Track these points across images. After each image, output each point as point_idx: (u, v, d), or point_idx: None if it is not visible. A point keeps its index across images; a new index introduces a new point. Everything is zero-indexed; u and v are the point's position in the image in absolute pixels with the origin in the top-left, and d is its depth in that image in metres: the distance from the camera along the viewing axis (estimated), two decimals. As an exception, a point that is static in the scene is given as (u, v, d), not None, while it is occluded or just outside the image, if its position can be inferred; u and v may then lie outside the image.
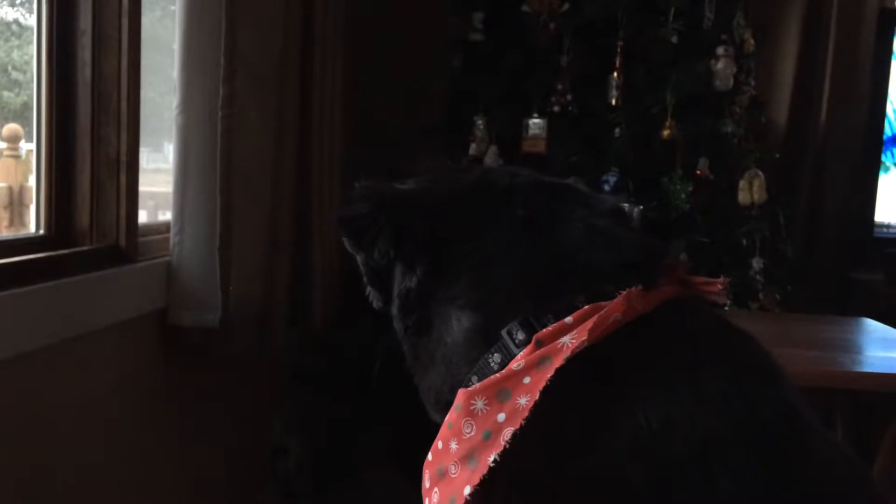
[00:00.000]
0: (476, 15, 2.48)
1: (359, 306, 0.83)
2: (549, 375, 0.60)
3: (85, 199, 1.50)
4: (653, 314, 0.64)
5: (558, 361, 0.60)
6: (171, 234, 1.66)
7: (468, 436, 0.62)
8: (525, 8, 2.42)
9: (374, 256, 0.75)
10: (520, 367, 0.62)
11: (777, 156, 2.63)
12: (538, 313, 0.65)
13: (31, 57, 1.48)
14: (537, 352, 0.62)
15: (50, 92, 1.45)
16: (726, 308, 2.28)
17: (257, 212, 1.79)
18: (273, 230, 1.85)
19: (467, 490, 0.60)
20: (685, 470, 0.58)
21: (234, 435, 2.01)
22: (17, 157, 1.59)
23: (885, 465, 1.56)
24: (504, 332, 0.65)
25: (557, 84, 2.39)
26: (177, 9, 1.63)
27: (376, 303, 0.79)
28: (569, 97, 2.38)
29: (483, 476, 0.59)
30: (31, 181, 1.52)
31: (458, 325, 0.69)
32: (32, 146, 1.50)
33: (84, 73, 1.48)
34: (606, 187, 2.30)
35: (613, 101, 2.36)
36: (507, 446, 0.59)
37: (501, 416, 0.61)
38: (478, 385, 0.63)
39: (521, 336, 0.65)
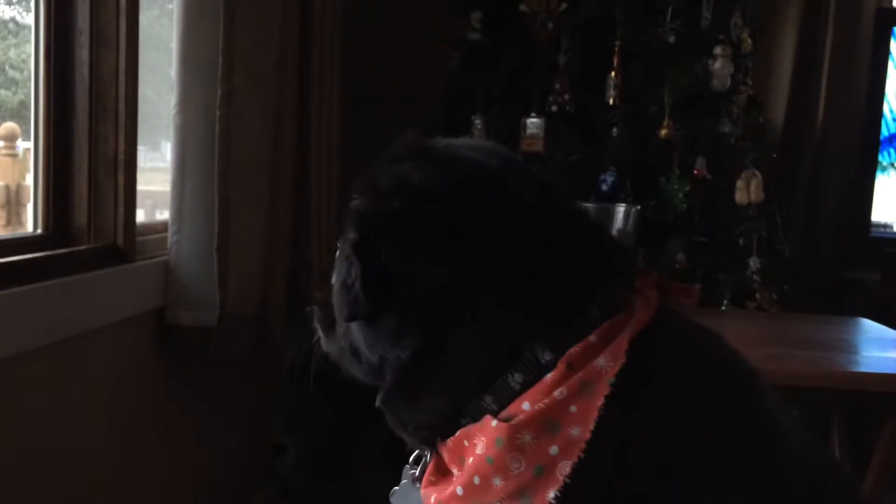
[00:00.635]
0: (474, 14, 2.48)
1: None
2: (599, 404, 0.57)
3: (82, 198, 1.50)
4: (654, 323, 0.63)
5: (603, 388, 0.58)
6: (169, 234, 1.66)
7: (517, 471, 0.58)
8: (523, 7, 2.42)
9: (406, 265, 0.64)
10: (563, 395, 0.58)
11: (774, 155, 2.63)
12: (559, 330, 0.61)
13: (28, 55, 1.48)
14: (576, 377, 0.59)
15: (47, 90, 1.45)
16: (722, 308, 2.30)
17: (255, 211, 1.79)
18: (271, 229, 1.85)
19: None
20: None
21: (232, 434, 2.01)
22: (15, 155, 1.59)
23: (881, 465, 1.56)
24: (527, 351, 0.61)
25: (555, 83, 2.39)
26: (175, 8, 1.63)
27: (356, 312, 0.66)
28: (567, 97, 2.38)
29: None
30: (29, 180, 1.52)
31: (468, 340, 0.63)
32: (30, 145, 1.50)
33: (82, 71, 1.47)
34: (604, 187, 2.31)
35: (611, 101, 2.36)
36: (568, 481, 0.57)
37: (554, 450, 0.58)
38: (523, 418, 0.59)
39: (548, 356, 0.61)
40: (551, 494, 0.57)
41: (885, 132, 2.97)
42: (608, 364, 0.59)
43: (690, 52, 2.35)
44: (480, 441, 0.60)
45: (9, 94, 1.63)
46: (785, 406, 0.66)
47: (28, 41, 1.48)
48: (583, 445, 0.57)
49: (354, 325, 0.68)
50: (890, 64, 2.93)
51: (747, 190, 2.35)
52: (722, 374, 0.65)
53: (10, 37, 1.61)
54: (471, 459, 0.61)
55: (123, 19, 1.49)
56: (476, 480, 0.60)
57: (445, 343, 0.63)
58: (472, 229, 0.64)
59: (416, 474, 0.71)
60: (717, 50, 2.34)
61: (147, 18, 1.81)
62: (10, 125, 1.58)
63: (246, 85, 1.70)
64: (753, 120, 2.51)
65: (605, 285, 0.64)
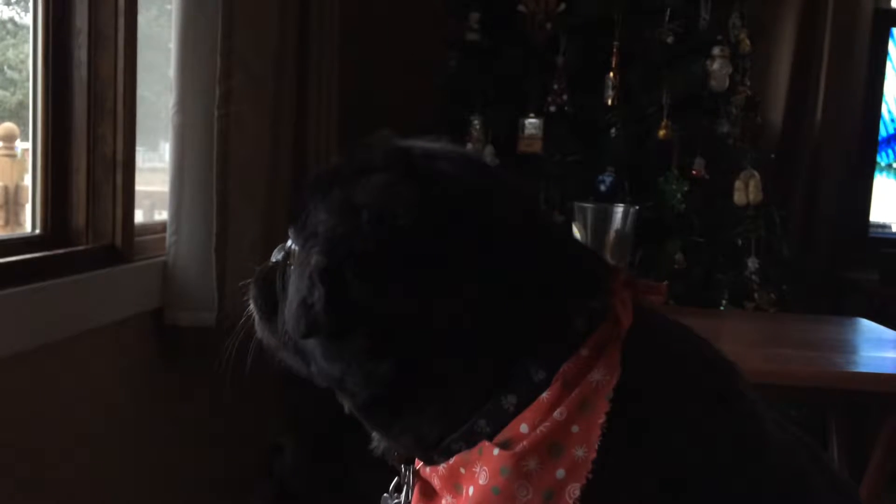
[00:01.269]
0: (472, 15, 2.47)
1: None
2: (601, 422, 0.57)
3: (81, 198, 1.50)
4: (634, 326, 0.62)
5: (602, 405, 0.57)
6: (168, 234, 1.66)
7: (525, 499, 0.57)
8: (521, 8, 2.42)
9: (378, 299, 0.60)
10: (563, 416, 0.57)
11: (773, 156, 2.63)
12: (548, 345, 0.60)
13: (26, 56, 1.48)
14: (574, 395, 0.58)
15: (46, 91, 1.45)
16: (722, 308, 2.30)
17: (253, 211, 1.79)
18: (269, 229, 1.85)
19: None
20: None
21: (230, 434, 2.01)
22: (13, 156, 1.59)
23: (879, 465, 1.56)
24: (518, 370, 0.60)
25: (553, 84, 2.39)
26: (173, 8, 1.63)
27: (313, 331, 0.62)
28: (565, 97, 2.38)
29: None
30: (27, 180, 1.52)
31: (453, 362, 0.61)
32: (28, 145, 1.50)
33: (80, 72, 1.48)
34: (602, 187, 2.31)
35: (609, 102, 2.36)
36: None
37: (561, 473, 0.57)
38: (526, 445, 0.57)
39: (541, 375, 0.59)
40: None
41: (883, 133, 2.97)
42: (604, 378, 0.58)
43: (689, 53, 2.35)
44: (483, 471, 0.59)
45: (7, 94, 1.63)
46: (765, 401, 0.66)
47: (26, 41, 1.48)
48: (589, 466, 0.56)
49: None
50: (888, 64, 2.94)
51: (746, 190, 2.35)
52: (707, 375, 0.65)
53: (8, 37, 1.61)
54: (471, 489, 0.60)
55: (122, 20, 1.49)
56: None
57: (426, 365, 0.61)
58: (451, 259, 0.61)
59: (402, 502, 0.69)
60: (716, 50, 2.34)
61: (145, 19, 1.81)
62: (8, 125, 1.58)
63: (244, 85, 1.71)
64: (752, 120, 2.51)
65: (585, 294, 0.63)
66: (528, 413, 0.59)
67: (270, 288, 0.70)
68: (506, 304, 0.61)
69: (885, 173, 2.97)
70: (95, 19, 1.48)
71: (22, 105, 1.53)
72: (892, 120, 2.96)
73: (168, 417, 1.74)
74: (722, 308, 2.29)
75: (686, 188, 2.31)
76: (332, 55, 2.28)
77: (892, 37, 2.91)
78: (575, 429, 0.57)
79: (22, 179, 1.57)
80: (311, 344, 0.65)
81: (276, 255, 0.72)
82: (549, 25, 2.39)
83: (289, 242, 0.68)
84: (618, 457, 0.57)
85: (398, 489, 0.69)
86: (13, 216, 1.56)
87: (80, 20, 1.47)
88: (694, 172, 2.36)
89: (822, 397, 1.73)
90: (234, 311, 1.65)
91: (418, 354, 0.61)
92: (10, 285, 1.22)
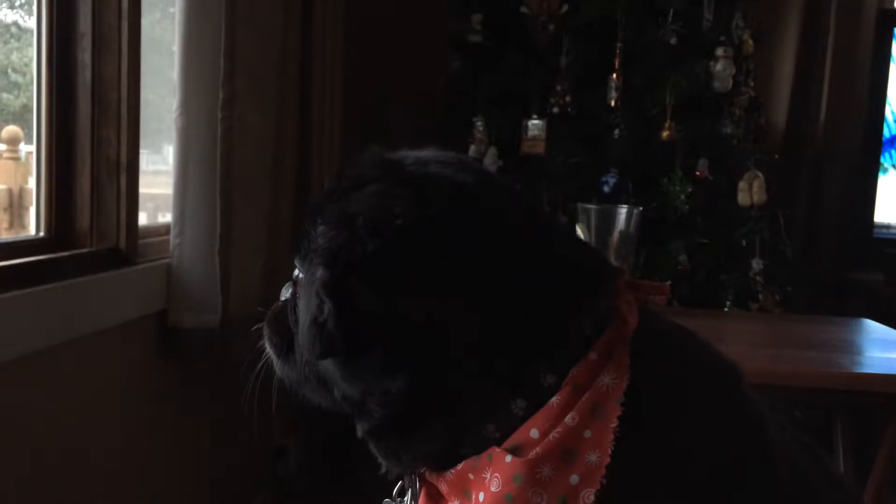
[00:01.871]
0: (475, 16, 2.48)
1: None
2: (613, 426, 0.57)
3: (85, 200, 1.50)
4: (639, 328, 0.62)
5: (614, 409, 0.57)
6: (171, 236, 1.66)
7: None
8: (524, 9, 2.42)
9: (387, 305, 0.60)
10: (575, 421, 0.57)
11: (776, 157, 2.63)
12: (557, 349, 0.60)
13: (30, 59, 1.49)
14: (584, 399, 0.58)
15: (50, 94, 1.45)
16: (726, 309, 2.30)
17: (257, 213, 1.79)
18: (273, 231, 1.85)
19: None
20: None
21: (234, 436, 2.01)
22: (17, 159, 1.59)
23: (884, 466, 1.56)
24: (528, 374, 0.59)
25: (556, 85, 2.39)
26: (176, 11, 1.63)
27: (330, 351, 0.62)
28: (568, 98, 2.38)
29: None
30: (31, 183, 1.52)
31: (464, 368, 0.60)
32: (32, 148, 1.50)
33: (84, 75, 1.48)
34: (606, 188, 2.31)
35: (613, 103, 2.36)
36: None
37: (574, 479, 0.56)
38: (540, 451, 0.57)
39: (550, 379, 0.59)
40: None
41: (887, 133, 2.97)
42: (614, 382, 0.58)
43: (692, 54, 2.35)
44: (495, 478, 0.58)
45: (11, 97, 1.63)
46: (766, 403, 0.66)
47: (30, 44, 1.48)
48: (603, 471, 0.56)
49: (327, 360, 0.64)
50: (891, 65, 2.93)
51: (749, 191, 2.35)
52: (710, 377, 0.65)
53: (12, 40, 1.62)
54: (481, 495, 0.59)
55: (125, 23, 1.49)
56: None
57: (440, 373, 0.60)
58: (454, 258, 0.61)
59: None
60: (719, 51, 2.34)
61: (149, 22, 1.82)
62: (12, 128, 1.59)
63: (247, 87, 1.71)
64: (755, 121, 2.51)
65: (591, 296, 0.63)
66: (538, 418, 0.58)
67: (283, 325, 0.70)
68: (512, 307, 0.61)
69: (888, 173, 2.97)
70: (99, 22, 1.48)
71: (26, 108, 1.53)
72: (896, 120, 2.95)
73: (171, 419, 1.74)
74: (726, 309, 2.29)
75: (690, 189, 2.31)
76: (335, 57, 2.28)
77: (896, 37, 2.91)
78: (587, 434, 0.57)
79: (26, 182, 1.57)
80: (331, 369, 0.64)
81: (285, 293, 0.72)
82: (551, 27, 2.40)
83: (295, 273, 0.68)
84: (629, 461, 0.57)
85: (401, 493, 0.69)
86: (17, 219, 1.57)
87: (84, 23, 1.47)
88: (697, 173, 2.36)
89: (826, 398, 1.72)
90: (237, 313, 1.66)
91: (431, 364, 0.60)
92: (15, 288, 1.22)
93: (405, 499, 0.68)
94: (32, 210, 1.51)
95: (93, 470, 1.44)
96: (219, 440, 1.95)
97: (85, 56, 1.47)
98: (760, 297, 2.32)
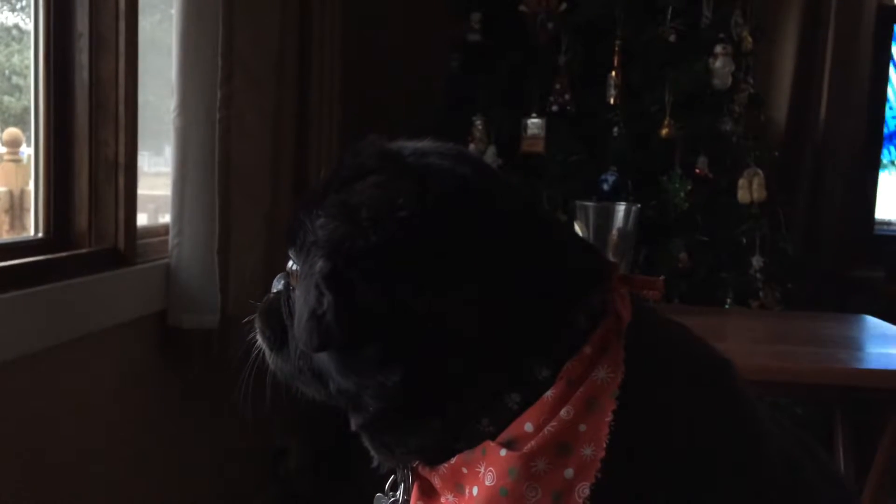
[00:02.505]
0: (474, 15, 2.48)
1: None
2: (608, 420, 0.56)
3: (83, 201, 1.50)
4: (633, 323, 0.62)
5: (609, 403, 0.57)
6: (170, 237, 1.66)
7: (534, 499, 0.56)
8: (523, 8, 2.42)
9: (386, 299, 0.59)
10: (570, 415, 0.57)
11: (776, 154, 2.62)
12: (552, 343, 0.60)
13: (31, 61, 1.49)
14: (579, 393, 0.58)
15: (48, 95, 1.45)
16: (727, 307, 2.29)
17: (256, 213, 1.79)
18: (272, 231, 1.85)
19: None
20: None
21: (234, 436, 2.01)
22: (18, 161, 1.59)
23: (884, 462, 1.55)
24: (523, 368, 0.59)
25: (556, 84, 2.39)
26: (174, 11, 1.63)
27: (328, 342, 0.61)
28: (567, 97, 2.38)
29: None
30: (32, 185, 1.52)
31: (460, 362, 0.60)
32: (32, 150, 1.51)
33: (81, 75, 1.48)
34: (605, 186, 2.30)
35: (612, 101, 2.36)
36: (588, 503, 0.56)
37: (569, 473, 0.56)
38: (534, 445, 0.57)
39: (545, 373, 0.59)
40: None
41: (887, 129, 2.96)
42: (609, 376, 0.58)
43: (691, 51, 2.35)
44: (489, 472, 0.58)
45: (12, 100, 1.63)
46: (759, 397, 0.66)
47: (30, 47, 1.48)
48: (598, 465, 0.56)
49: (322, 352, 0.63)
50: (891, 61, 2.92)
51: (749, 188, 2.35)
52: (705, 372, 0.65)
53: (13, 43, 1.62)
54: (475, 489, 0.59)
55: (122, 23, 1.49)
56: None
57: (436, 367, 0.60)
58: (454, 252, 0.60)
59: (399, 501, 0.68)
60: (718, 48, 2.33)
61: (149, 23, 1.82)
62: (13, 130, 1.59)
63: (246, 87, 1.71)
64: (755, 118, 2.50)
65: (586, 290, 0.62)
66: (533, 412, 0.58)
67: (277, 318, 0.69)
68: (509, 300, 0.60)
69: (888, 170, 2.96)
70: (96, 23, 1.48)
71: (27, 110, 1.53)
72: (894, 117, 2.95)
73: (171, 419, 1.74)
74: (727, 306, 2.29)
75: (689, 187, 2.31)
76: (333, 57, 2.28)
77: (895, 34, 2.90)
78: (583, 428, 0.57)
79: (27, 184, 1.57)
80: (326, 361, 0.64)
81: (277, 285, 0.71)
82: (550, 25, 2.39)
83: (289, 265, 0.67)
84: (624, 455, 0.57)
85: (394, 488, 0.69)
86: (18, 220, 1.57)
87: (81, 24, 1.47)
88: (697, 171, 2.35)
89: (827, 394, 1.72)
90: (236, 313, 1.66)
91: (427, 358, 0.60)
92: (14, 288, 1.23)
93: (398, 493, 0.68)
94: (32, 211, 1.52)
95: (92, 470, 1.44)
96: (219, 440, 1.95)
97: (82, 57, 1.48)
98: (761, 294, 2.31)
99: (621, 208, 1.49)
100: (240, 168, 1.70)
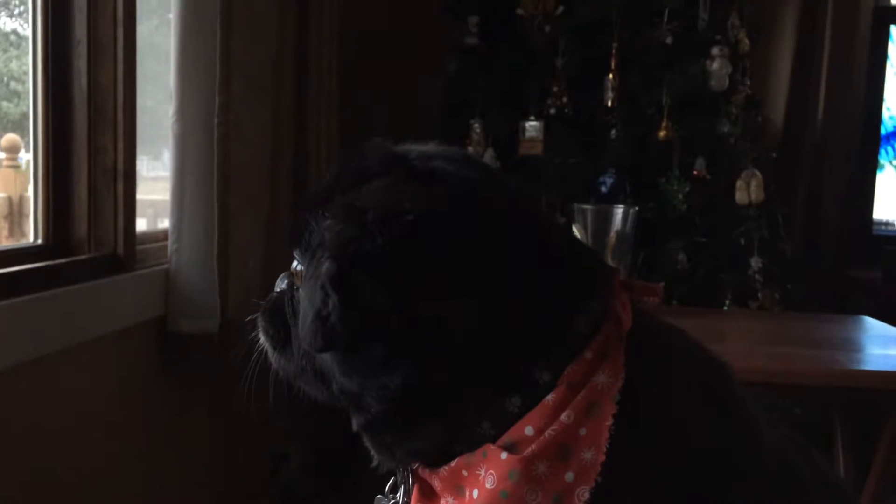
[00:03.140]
0: (471, 19, 2.48)
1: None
2: (608, 424, 0.57)
3: (82, 208, 1.50)
4: (633, 328, 0.62)
5: (609, 407, 0.57)
6: (169, 242, 1.66)
7: (534, 503, 0.57)
8: (519, 11, 2.42)
9: (392, 301, 0.60)
10: (571, 419, 0.58)
11: (774, 155, 2.63)
12: (553, 347, 0.60)
13: (30, 68, 1.49)
14: (580, 398, 0.58)
15: (46, 101, 1.46)
16: (725, 308, 2.29)
17: (255, 218, 1.80)
18: (270, 236, 1.85)
19: None
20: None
21: (234, 440, 2.01)
22: (17, 167, 1.60)
23: (883, 463, 1.56)
24: (524, 372, 0.60)
25: (553, 86, 2.39)
26: (172, 17, 1.64)
27: (332, 343, 0.61)
28: (565, 99, 2.38)
29: None
30: (31, 191, 1.52)
31: (462, 364, 0.61)
32: (31, 156, 1.51)
33: (80, 82, 1.48)
34: (603, 188, 2.31)
35: (609, 103, 2.36)
36: None
37: (570, 476, 0.57)
38: (536, 448, 0.57)
39: (546, 377, 0.59)
40: None
41: (883, 130, 2.96)
42: (609, 381, 0.59)
43: (688, 53, 2.35)
44: (489, 474, 0.58)
45: (11, 105, 1.64)
46: (755, 400, 0.66)
47: (29, 53, 1.49)
48: (598, 469, 0.56)
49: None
50: (888, 61, 2.93)
51: (747, 190, 2.35)
52: (703, 376, 0.65)
53: (11, 49, 1.62)
54: (475, 492, 0.59)
55: (121, 30, 1.49)
56: None
57: (439, 370, 0.61)
58: (459, 256, 0.61)
59: (399, 502, 0.68)
60: (715, 50, 2.34)
61: (147, 28, 1.82)
62: (11, 136, 1.59)
63: (244, 93, 1.71)
64: (752, 120, 2.50)
65: (587, 295, 0.63)
66: (533, 415, 0.59)
67: (280, 317, 0.69)
68: (511, 304, 0.61)
69: (886, 170, 2.96)
70: (94, 30, 1.49)
71: (26, 116, 1.54)
72: (892, 117, 2.95)
73: (171, 424, 1.74)
74: (725, 308, 2.29)
75: (687, 188, 2.31)
76: (331, 61, 2.29)
77: (892, 34, 2.91)
78: (583, 431, 0.57)
79: (26, 190, 1.57)
80: (329, 362, 0.64)
81: (280, 284, 0.71)
82: (547, 28, 2.40)
83: (293, 265, 0.68)
84: (624, 459, 0.57)
85: (394, 490, 0.69)
86: (17, 227, 1.57)
87: (80, 31, 1.48)
88: (695, 172, 2.36)
89: (826, 396, 1.72)
90: (236, 318, 1.66)
91: (430, 361, 0.61)
92: (13, 295, 1.23)
93: (398, 495, 0.69)
94: (31, 217, 1.52)
95: (92, 476, 1.44)
96: (219, 445, 1.95)
97: (81, 63, 1.48)
98: (759, 295, 2.31)
99: (619, 211, 1.50)
100: (238, 173, 1.70)
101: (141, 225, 1.69)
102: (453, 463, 0.61)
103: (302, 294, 0.64)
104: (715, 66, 2.34)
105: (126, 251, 1.54)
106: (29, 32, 1.48)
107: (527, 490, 0.57)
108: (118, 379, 1.54)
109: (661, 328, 0.67)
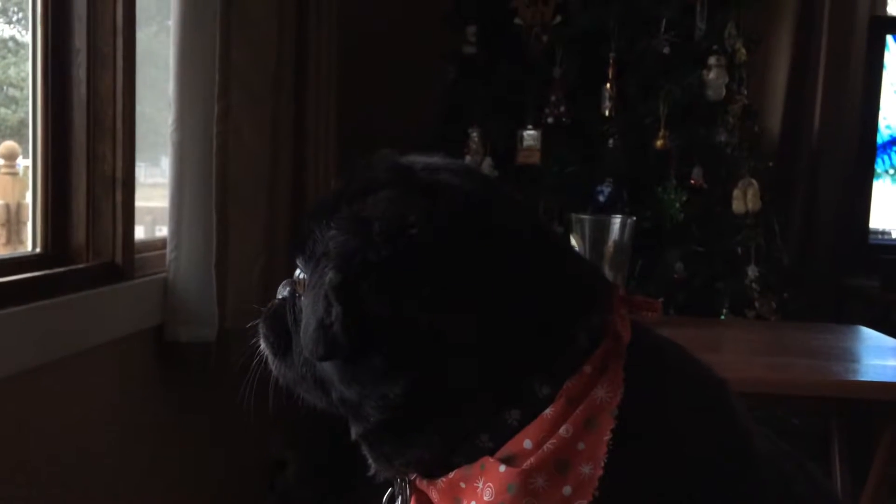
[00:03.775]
0: (469, 28, 2.49)
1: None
2: (606, 439, 0.57)
3: (81, 216, 1.50)
4: (631, 343, 0.63)
5: (608, 422, 0.58)
6: (168, 250, 1.66)
7: None
8: (517, 20, 2.43)
9: (394, 312, 0.60)
10: (569, 433, 0.58)
11: (771, 164, 2.63)
12: (553, 362, 0.61)
13: (27, 74, 1.49)
14: (579, 412, 0.58)
15: (45, 109, 1.46)
16: (722, 317, 2.30)
17: (253, 226, 1.80)
18: (269, 245, 1.85)
19: None
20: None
21: (232, 449, 2.01)
22: (15, 174, 1.60)
23: (880, 473, 1.56)
24: (524, 385, 0.60)
25: (551, 95, 2.40)
26: (171, 25, 1.64)
27: (333, 352, 0.62)
28: (562, 108, 2.39)
29: None
30: (29, 198, 1.52)
31: (462, 377, 0.61)
32: (29, 163, 1.51)
33: (79, 90, 1.48)
34: (601, 198, 2.31)
35: (607, 112, 2.37)
36: None
37: (567, 490, 0.57)
38: (534, 462, 0.57)
39: (545, 390, 0.60)
40: None
41: (880, 139, 2.97)
42: (608, 396, 0.59)
43: (685, 63, 2.36)
44: (487, 487, 0.59)
45: (9, 112, 1.64)
46: (752, 415, 0.67)
47: (27, 60, 1.49)
48: (596, 483, 0.57)
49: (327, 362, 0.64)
50: (884, 71, 2.94)
51: (744, 199, 2.36)
52: (701, 392, 0.66)
53: (9, 55, 1.63)
54: None
55: (120, 39, 1.50)
56: None
57: (439, 381, 0.61)
58: (462, 269, 0.61)
59: None
60: (712, 60, 2.35)
61: (146, 35, 1.83)
62: (9, 144, 1.59)
63: (243, 101, 1.71)
64: (749, 129, 2.51)
65: (587, 310, 0.63)
66: (532, 429, 0.59)
67: (281, 324, 0.70)
68: (512, 318, 0.61)
69: (881, 179, 2.97)
70: (94, 38, 1.49)
71: (23, 123, 1.54)
72: (888, 126, 2.96)
73: (169, 433, 1.74)
74: (723, 317, 2.29)
75: (685, 197, 2.32)
76: (330, 70, 2.29)
77: (888, 44, 2.92)
78: (581, 446, 0.58)
79: (24, 198, 1.57)
80: (329, 370, 0.64)
81: (283, 291, 0.72)
82: (545, 37, 2.41)
83: (296, 274, 0.68)
84: (622, 474, 0.57)
85: (391, 501, 0.69)
86: (15, 234, 1.57)
87: (79, 39, 1.48)
88: (692, 182, 2.36)
89: (823, 406, 1.73)
90: (234, 327, 1.66)
91: (430, 372, 0.61)
92: (11, 304, 1.23)
93: None
94: (30, 225, 1.52)
95: (90, 485, 1.44)
96: (216, 453, 1.95)
97: (80, 72, 1.48)
98: (757, 304, 2.32)
99: (617, 221, 1.50)
100: (237, 182, 1.70)
101: (139, 232, 1.69)
102: (451, 475, 0.62)
103: (304, 302, 0.65)
104: (712, 75, 2.35)
105: (124, 260, 1.54)
106: (28, 39, 1.49)
107: (525, 503, 0.57)
108: (116, 387, 1.54)
109: (660, 343, 0.67)
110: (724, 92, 2.37)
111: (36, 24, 1.45)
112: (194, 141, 1.64)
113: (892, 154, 2.97)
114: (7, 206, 1.56)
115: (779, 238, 2.46)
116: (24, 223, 1.56)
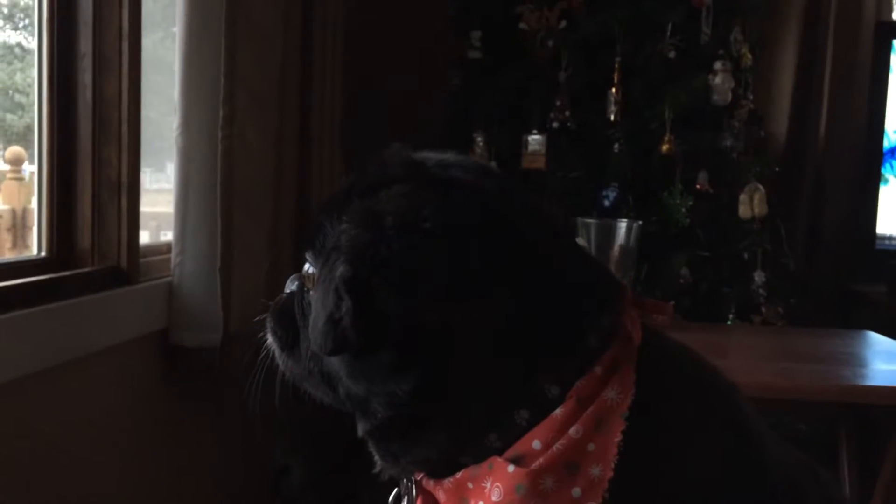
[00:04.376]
0: (474, 33, 2.49)
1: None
2: (616, 440, 0.57)
3: (86, 220, 1.50)
4: (642, 345, 0.62)
5: (618, 423, 0.57)
6: (172, 255, 1.66)
7: None
8: (522, 25, 2.43)
9: (405, 307, 0.60)
10: (579, 434, 0.57)
11: (777, 169, 2.63)
12: (563, 362, 0.60)
13: (33, 80, 1.50)
14: (589, 413, 0.58)
15: (51, 115, 1.46)
16: (728, 322, 2.29)
17: (258, 231, 1.80)
18: (274, 249, 1.85)
19: None
20: None
21: (236, 453, 2.01)
22: (21, 179, 1.60)
23: (889, 479, 1.55)
24: (533, 385, 0.60)
25: (556, 100, 2.40)
26: (177, 30, 1.64)
27: (342, 347, 0.61)
28: (567, 113, 2.39)
29: None
30: (35, 203, 1.53)
31: (472, 376, 0.61)
32: (35, 168, 1.51)
33: (85, 95, 1.49)
34: (606, 202, 2.31)
35: (612, 117, 2.37)
36: None
37: (577, 492, 0.57)
38: (543, 462, 0.57)
39: (555, 391, 0.59)
40: None
41: (886, 144, 2.97)
42: (618, 397, 0.58)
43: (690, 68, 2.36)
44: (496, 487, 0.58)
45: (15, 118, 1.64)
46: (763, 419, 0.66)
47: (33, 65, 1.49)
48: (605, 485, 0.56)
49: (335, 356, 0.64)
50: (890, 76, 2.93)
51: (750, 204, 2.35)
52: (712, 395, 0.65)
53: (15, 61, 1.63)
54: None
55: (125, 44, 1.50)
56: None
57: (448, 379, 0.60)
58: (474, 265, 0.61)
59: None
60: (717, 65, 2.34)
61: (152, 41, 1.83)
62: (15, 149, 1.60)
63: (248, 106, 1.72)
64: (755, 134, 2.51)
65: (598, 311, 0.63)
66: (541, 429, 0.59)
67: (289, 318, 0.69)
68: (522, 317, 0.61)
69: (889, 184, 2.96)
70: (99, 43, 1.49)
71: (29, 129, 1.54)
72: (895, 131, 2.95)
73: (174, 437, 1.73)
74: (729, 322, 2.28)
75: (690, 202, 2.31)
76: (335, 75, 2.29)
77: (894, 49, 2.91)
78: (591, 447, 0.57)
79: (29, 203, 1.58)
80: (337, 365, 0.64)
81: (291, 286, 0.72)
82: (550, 42, 2.41)
83: (305, 268, 0.68)
84: (632, 476, 0.57)
85: (398, 501, 0.69)
86: (21, 239, 1.57)
87: (85, 44, 1.48)
88: (698, 186, 2.36)
89: (831, 411, 1.72)
90: (238, 331, 1.66)
91: (439, 370, 0.60)
92: (17, 307, 1.23)
93: None
94: (35, 229, 1.52)
95: (95, 488, 1.44)
96: (221, 457, 1.95)
97: (86, 76, 1.48)
98: (763, 310, 2.31)
99: (623, 225, 1.49)
100: (242, 186, 1.70)
101: (144, 237, 1.69)
102: (459, 474, 0.61)
103: (313, 296, 0.65)
104: (717, 80, 2.34)
105: (129, 264, 1.54)
106: (34, 45, 1.49)
107: None
108: (121, 392, 1.54)
109: (671, 346, 0.67)
110: (729, 97, 2.37)
111: (42, 29, 1.46)
112: (199, 146, 1.64)
113: (898, 159, 2.96)
114: (13, 211, 1.57)
115: (785, 243, 2.46)
116: (31, 228, 1.56)
